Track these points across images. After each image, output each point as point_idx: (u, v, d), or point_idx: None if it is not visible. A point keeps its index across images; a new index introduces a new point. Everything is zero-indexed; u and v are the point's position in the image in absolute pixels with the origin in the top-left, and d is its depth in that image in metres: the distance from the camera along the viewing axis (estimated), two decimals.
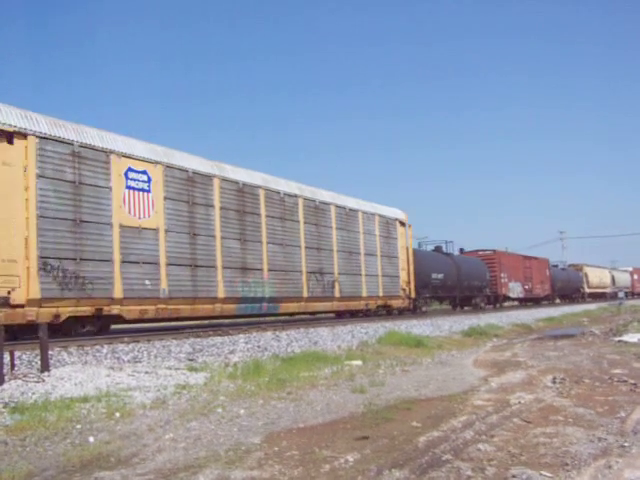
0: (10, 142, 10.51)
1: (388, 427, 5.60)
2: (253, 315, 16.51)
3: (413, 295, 23.47)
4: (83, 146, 11.69)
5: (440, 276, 26.81)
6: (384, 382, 8.22)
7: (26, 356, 8.62)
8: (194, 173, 14.13)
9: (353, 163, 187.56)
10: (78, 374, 7.46)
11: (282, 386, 7.55)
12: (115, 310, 11.98)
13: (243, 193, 15.51)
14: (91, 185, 11.76)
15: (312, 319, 20.05)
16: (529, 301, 40.21)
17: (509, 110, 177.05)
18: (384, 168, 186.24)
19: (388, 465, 4.36)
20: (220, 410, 6.14)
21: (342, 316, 20.72)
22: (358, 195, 20.57)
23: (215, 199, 14.61)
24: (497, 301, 34.47)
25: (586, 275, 53.46)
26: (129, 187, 12.49)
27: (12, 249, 10.34)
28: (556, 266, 48.92)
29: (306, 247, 17.59)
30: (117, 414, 5.78)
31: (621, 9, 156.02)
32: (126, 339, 11.36)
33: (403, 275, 22.71)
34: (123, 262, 12.06)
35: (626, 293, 60.52)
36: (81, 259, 11.35)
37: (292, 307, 17.15)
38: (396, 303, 22.31)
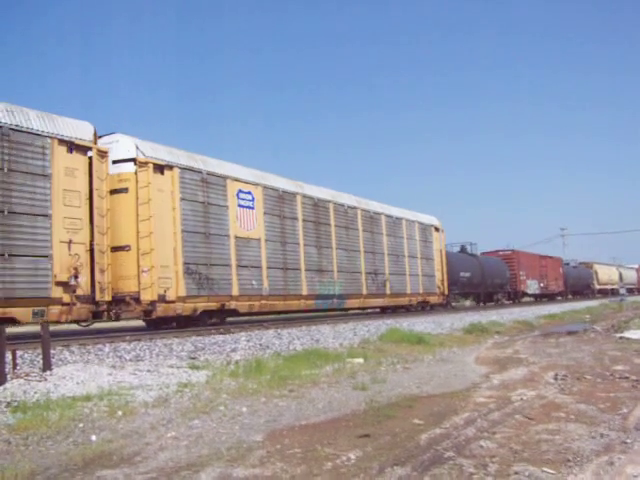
0: (162, 173, 13.39)
1: (390, 424, 5.60)
2: (326, 310, 19.72)
3: (446, 292, 26.84)
4: (209, 174, 14.72)
5: (467, 275, 29.94)
6: (386, 379, 8.22)
7: (28, 355, 8.64)
8: (283, 192, 17.24)
9: (346, 158, 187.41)
10: (80, 373, 7.47)
11: (284, 384, 7.55)
12: (233, 305, 14.94)
13: (317, 207, 18.75)
14: (215, 204, 14.75)
15: (313, 317, 20.85)
16: (544, 297, 42.99)
17: (510, 106, 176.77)
18: (380, 163, 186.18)
19: (390, 462, 4.36)
20: (222, 408, 6.14)
21: (386, 311, 23.59)
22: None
23: (298, 213, 17.81)
24: (516, 297, 37.55)
25: (596, 272, 56.41)
26: (240, 205, 15.52)
27: (166, 257, 13.14)
28: (568, 264, 51.48)
29: (364, 251, 20.82)
30: (119, 413, 5.78)
31: (626, 3, 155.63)
32: (128, 338, 11.39)
33: (438, 274, 26.09)
34: (238, 266, 15.09)
35: (631, 289, 63.72)
36: (210, 264, 14.23)
37: (354, 303, 20.39)
38: (433, 299, 25.72)
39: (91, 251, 11.66)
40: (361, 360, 10.03)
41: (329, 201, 19.41)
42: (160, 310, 12.91)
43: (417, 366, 9.84)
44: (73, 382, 6.98)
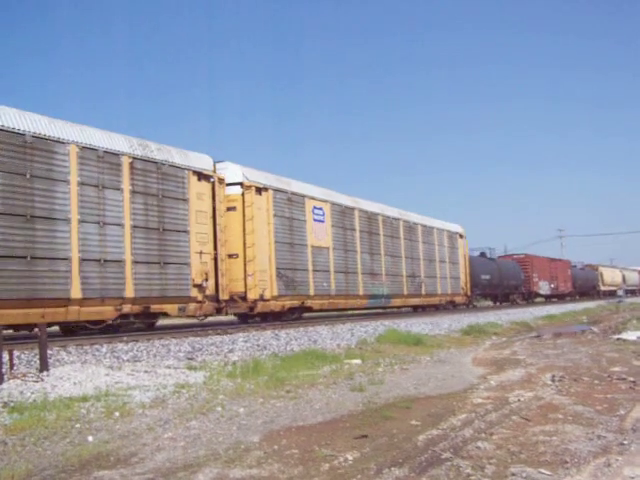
0: (260, 194, 16.24)
1: (387, 425, 5.60)
2: (377, 307, 22.98)
3: (469, 293, 30.21)
4: (293, 193, 17.70)
5: (487, 277, 33.25)
6: (383, 380, 8.21)
7: (25, 355, 8.62)
8: (345, 207, 20.33)
9: (342, 156, 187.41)
10: (77, 373, 7.45)
11: (281, 385, 7.54)
12: (309, 303, 17.93)
13: (370, 219, 21.85)
14: (297, 219, 17.70)
15: (313, 317, 21.34)
16: (555, 297, 46.18)
17: (508, 105, 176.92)
18: (374, 161, 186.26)
19: (388, 463, 4.35)
20: (219, 409, 6.13)
21: (417, 309, 26.35)
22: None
23: (356, 224, 20.85)
24: (530, 297, 40.65)
25: (601, 274, 59.63)
26: (314, 219, 18.46)
27: (263, 263, 16.02)
28: (575, 266, 54.42)
29: (405, 257, 24.05)
30: (116, 413, 5.77)
31: (626, 1, 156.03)
32: (125, 338, 11.37)
33: (462, 277, 29.35)
34: (314, 271, 18.04)
35: (634, 290, 68.95)
36: (294, 269, 17.22)
37: (398, 302, 23.76)
38: (458, 299, 29.02)
39: (215, 259, 14.55)
40: (359, 361, 10.02)
41: (378, 214, 22.54)
42: (260, 307, 15.98)
43: (415, 367, 9.83)
44: (70, 383, 6.96)
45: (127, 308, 12.40)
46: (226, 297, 14.81)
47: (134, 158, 12.76)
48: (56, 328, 12.32)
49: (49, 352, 8.24)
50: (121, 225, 12.35)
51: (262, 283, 15.86)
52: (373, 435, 5.22)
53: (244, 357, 9.82)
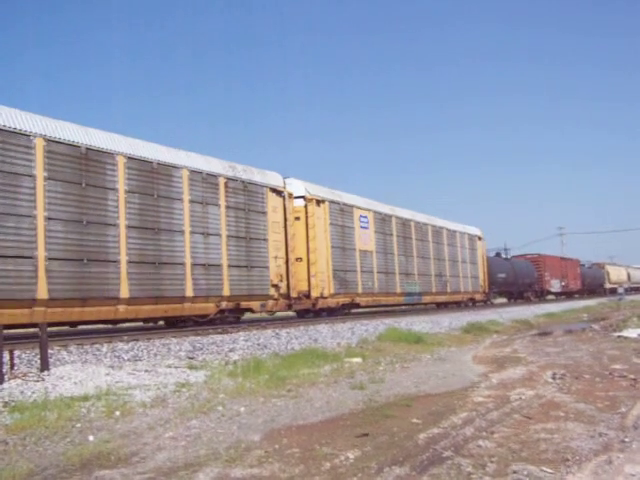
0: (319, 205, 18.69)
1: (388, 424, 5.59)
2: (411, 304, 25.96)
3: (487, 290, 32.98)
4: (344, 204, 20.32)
5: (503, 276, 35.79)
6: (384, 379, 8.21)
7: (26, 355, 8.62)
8: (384, 215, 22.93)
9: (339, 152, 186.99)
10: (78, 373, 7.45)
11: (282, 384, 7.54)
12: (357, 300, 20.43)
13: (404, 225, 24.47)
14: (347, 226, 20.25)
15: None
16: (565, 294, 48.52)
17: (507, 102, 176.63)
18: (372, 157, 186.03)
19: (388, 462, 4.35)
20: (220, 408, 6.13)
21: (440, 306, 28.60)
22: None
23: (393, 230, 23.48)
24: (542, 295, 43.23)
25: (607, 273, 62.38)
26: (360, 227, 21.01)
27: (322, 266, 18.47)
28: (583, 265, 57.32)
29: (433, 258, 26.46)
30: (117, 413, 5.76)
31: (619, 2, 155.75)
32: (125, 338, 11.37)
33: (481, 276, 32.03)
34: (361, 272, 20.61)
35: (638, 288, 70.79)
36: (346, 270, 19.75)
37: (427, 299, 26.14)
38: (477, 296, 31.68)
39: (286, 263, 16.96)
40: (359, 360, 10.02)
41: (411, 220, 25.13)
42: (320, 303, 18.36)
43: (415, 365, 9.83)
44: (71, 382, 6.96)
45: (224, 304, 14.93)
46: (295, 295, 17.28)
47: (227, 178, 15.30)
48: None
49: (50, 352, 8.24)
50: (219, 235, 14.88)
51: (322, 283, 18.39)
52: (374, 433, 5.22)
53: (245, 356, 9.82)
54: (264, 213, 16.38)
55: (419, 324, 17.28)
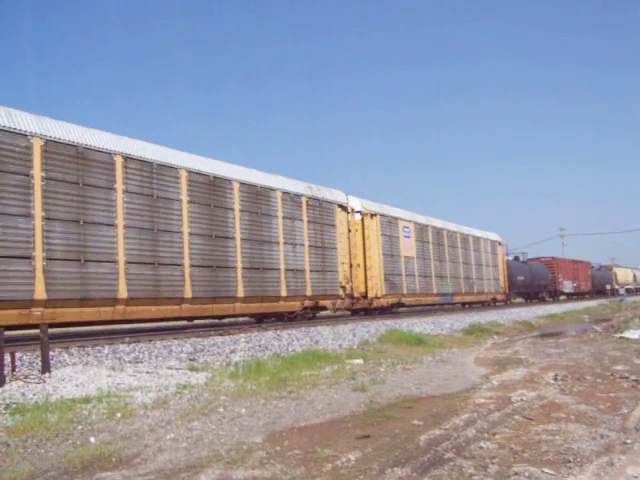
0: (372, 219, 21.66)
1: (390, 425, 5.59)
2: (445, 303, 28.69)
3: (507, 291, 36.13)
4: (391, 217, 23.26)
5: (522, 278, 38.98)
6: (385, 380, 8.21)
7: (27, 357, 8.62)
8: (422, 225, 25.94)
9: (338, 149, 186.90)
10: (79, 375, 7.45)
11: (283, 385, 7.54)
12: (403, 300, 23.47)
13: (438, 233, 27.39)
14: (394, 236, 23.23)
15: (315, 317, 21.48)
16: (576, 295, 51.03)
17: (507, 102, 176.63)
18: (375, 154, 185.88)
19: (390, 464, 4.35)
20: (221, 410, 6.13)
21: (464, 306, 31.29)
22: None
23: (429, 238, 26.44)
24: (556, 295, 46.07)
25: (615, 274, 65.35)
26: (404, 236, 24.04)
27: (376, 270, 21.43)
28: (593, 267, 59.71)
29: (462, 262, 29.56)
30: (118, 414, 5.76)
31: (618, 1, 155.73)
32: (127, 339, 11.38)
33: (502, 278, 35.24)
34: (405, 275, 23.69)
35: (637, 289, 72.98)
36: (393, 274, 22.67)
37: (458, 299, 29.22)
38: (499, 297, 34.79)
39: (350, 268, 19.96)
40: (360, 361, 10.02)
41: (443, 229, 28.03)
42: (375, 303, 21.31)
43: (417, 367, 9.83)
44: (72, 384, 6.96)
45: (307, 303, 17.86)
46: (357, 295, 20.26)
47: (308, 197, 18.30)
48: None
49: (51, 353, 8.24)
50: (303, 245, 17.85)
51: (375, 285, 21.33)
52: (375, 435, 5.21)
53: (246, 358, 9.82)
54: (333, 226, 19.50)
55: (420, 325, 17.26)
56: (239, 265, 15.20)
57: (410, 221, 24.85)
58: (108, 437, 5.06)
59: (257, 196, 16.15)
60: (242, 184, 15.70)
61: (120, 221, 12.30)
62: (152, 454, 4.64)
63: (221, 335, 13.11)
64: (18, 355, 8.30)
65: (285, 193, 17.23)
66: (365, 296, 20.83)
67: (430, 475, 4.11)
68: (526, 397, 6.91)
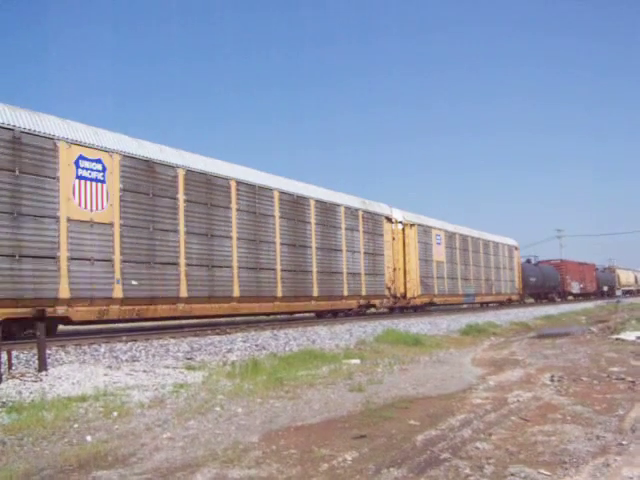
0: (411, 228, 24.72)
1: (386, 426, 5.60)
2: (468, 303, 31.61)
3: (521, 292, 39.26)
4: (426, 226, 26.25)
5: (534, 280, 42.31)
6: (382, 380, 8.21)
7: (24, 355, 8.60)
8: (451, 233, 29.06)
9: (339, 155, 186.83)
10: (76, 373, 7.44)
11: (280, 385, 7.54)
12: (434, 300, 26.71)
13: (464, 240, 30.48)
14: (429, 243, 26.27)
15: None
16: (583, 295, 53.95)
17: (506, 106, 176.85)
18: (372, 160, 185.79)
19: (386, 464, 4.35)
20: (218, 409, 6.13)
21: (482, 305, 34.09)
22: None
23: (457, 244, 29.55)
24: (564, 295, 49.42)
25: (618, 276, 67.82)
26: (436, 243, 27.13)
27: (414, 274, 24.54)
28: (597, 269, 62.21)
29: (483, 266, 32.80)
30: (115, 413, 5.76)
31: (617, 4, 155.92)
32: (124, 338, 11.36)
33: (517, 280, 38.51)
34: (437, 278, 26.78)
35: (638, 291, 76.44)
36: (427, 277, 25.79)
37: (478, 299, 32.31)
38: (514, 297, 37.91)
39: (393, 271, 23.14)
40: (357, 361, 10.02)
41: (468, 235, 31.30)
42: (412, 302, 24.56)
43: (414, 367, 9.83)
44: (69, 382, 6.95)
45: (362, 301, 21.08)
46: (398, 295, 23.45)
47: (362, 211, 21.51)
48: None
49: (48, 352, 8.22)
50: (359, 252, 21.03)
51: (413, 287, 24.47)
52: (372, 435, 5.22)
53: (243, 357, 9.81)
54: (381, 235, 22.68)
55: (417, 326, 17.28)
56: (314, 269, 18.51)
57: (441, 229, 27.97)
58: (104, 436, 5.06)
59: (326, 211, 19.49)
60: (316, 201, 18.96)
61: (234, 234, 15.43)
62: (148, 453, 4.64)
63: (218, 334, 13.10)
64: (15, 353, 8.28)
65: (347, 208, 20.62)
66: (404, 296, 23.95)
67: (426, 475, 4.11)
68: (522, 398, 6.92)
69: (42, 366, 7.47)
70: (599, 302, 43.68)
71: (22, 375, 7.14)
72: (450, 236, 28.84)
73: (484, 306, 33.66)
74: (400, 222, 24.13)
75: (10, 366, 7.51)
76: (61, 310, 11.28)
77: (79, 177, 11.75)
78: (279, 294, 16.75)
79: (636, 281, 76.05)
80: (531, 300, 44.52)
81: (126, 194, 12.61)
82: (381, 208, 23.12)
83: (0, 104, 10.96)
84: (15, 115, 10.99)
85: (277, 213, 17.01)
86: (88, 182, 11.89)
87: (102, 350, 9.75)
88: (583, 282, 53.64)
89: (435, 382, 8.31)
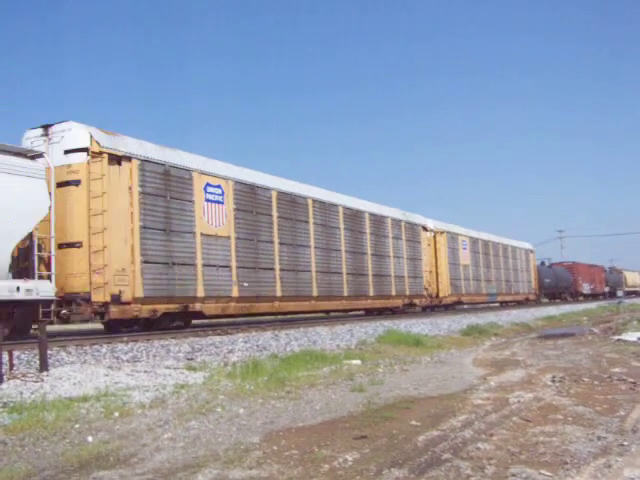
0: (441, 235, 27.96)
1: (387, 426, 5.59)
2: (491, 302, 34.60)
3: (537, 292, 42.74)
4: (453, 233, 29.53)
5: (548, 280, 45.66)
6: (383, 381, 8.21)
7: (25, 356, 8.61)
8: (475, 239, 32.25)
9: (347, 161, 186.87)
10: (77, 374, 7.45)
11: (281, 385, 7.54)
12: (462, 299, 30.00)
13: (486, 245, 33.71)
14: (455, 249, 29.29)
15: (318, 317, 23.07)
16: (592, 296, 56.62)
17: (506, 108, 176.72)
18: (383, 166, 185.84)
19: (387, 464, 4.35)
20: (219, 409, 6.13)
21: (502, 304, 37.17)
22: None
23: (480, 249, 32.78)
24: (576, 296, 52.68)
25: (625, 277, 70.51)
26: (462, 248, 30.35)
27: (444, 276, 27.65)
28: (606, 271, 65.24)
29: (503, 269, 36.03)
30: (116, 414, 5.76)
31: (618, 10, 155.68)
32: (125, 338, 11.37)
33: (533, 281, 42.06)
34: (464, 279, 30.10)
35: None
36: (455, 278, 29.10)
37: (499, 298, 35.49)
38: (530, 297, 41.29)
39: (429, 274, 26.49)
40: (358, 362, 10.02)
41: (489, 241, 34.55)
42: (444, 301, 27.86)
43: (415, 368, 9.83)
44: (70, 383, 6.96)
45: (406, 300, 24.51)
46: (432, 293, 26.60)
47: (405, 222, 24.99)
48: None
49: (49, 352, 8.23)
50: (403, 257, 24.48)
51: (444, 287, 27.56)
52: (373, 436, 5.22)
53: (244, 357, 9.81)
54: (419, 242, 26.10)
55: (418, 326, 17.27)
56: (370, 273, 21.81)
57: (466, 236, 31.16)
58: (106, 436, 5.06)
59: (377, 223, 22.77)
60: (370, 214, 22.36)
61: (312, 243, 18.58)
62: (149, 453, 4.64)
63: (219, 335, 13.11)
64: (16, 353, 8.29)
65: (393, 220, 23.96)
66: (437, 296, 27.07)
67: (427, 476, 4.11)
68: (524, 398, 6.92)
69: (43, 366, 7.48)
70: (602, 303, 43.79)
71: (23, 375, 7.15)
72: (474, 242, 32.11)
73: (504, 305, 36.57)
74: (432, 230, 27.33)
75: (11, 366, 7.52)
76: (198, 306, 14.08)
77: (207, 200, 14.67)
78: (345, 294, 20.09)
79: None
80: (546, 300, 47.27)
81: (238, 213, 15.66)
82: (418, 219, 26.51)
83: (154, 144, 13.73)
84: (164, 153, 13.83)
85: (342, 225, 20.35)
86: (212, 204, 14.80)
87: (103, 350, 9.76)
88: (593, 283, 56.75)
89: (436, 382, 8.30)
